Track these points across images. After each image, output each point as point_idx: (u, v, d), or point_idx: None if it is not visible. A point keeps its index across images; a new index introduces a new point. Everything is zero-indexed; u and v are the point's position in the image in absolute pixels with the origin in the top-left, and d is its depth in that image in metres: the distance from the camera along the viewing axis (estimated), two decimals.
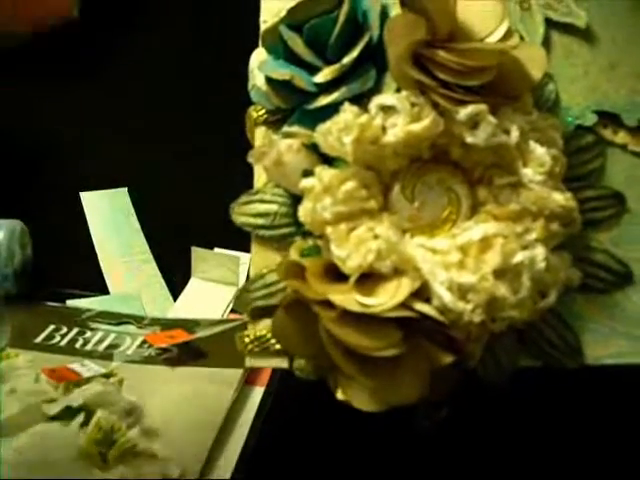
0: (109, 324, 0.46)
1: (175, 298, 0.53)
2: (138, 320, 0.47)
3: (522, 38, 0.35)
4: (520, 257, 0.30)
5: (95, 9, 0.62)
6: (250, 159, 0.32)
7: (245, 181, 0.55)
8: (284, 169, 0.32)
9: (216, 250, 0.54)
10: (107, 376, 0.39)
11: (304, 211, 0.30)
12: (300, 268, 0.30)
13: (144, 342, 0.44)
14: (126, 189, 0.59)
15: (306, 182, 0.31)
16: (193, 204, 0.58)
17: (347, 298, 0.29)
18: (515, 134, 0.31)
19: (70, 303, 0.49)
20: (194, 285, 0.52)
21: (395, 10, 0.33)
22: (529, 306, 0.31)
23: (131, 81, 0.63)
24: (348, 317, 0.29)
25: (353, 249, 0.29)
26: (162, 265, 0.56)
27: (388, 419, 0.33)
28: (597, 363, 0.32)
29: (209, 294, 0.51)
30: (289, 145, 0.32)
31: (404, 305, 0.29)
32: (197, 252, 0.52)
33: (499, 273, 0.30)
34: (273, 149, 0.31)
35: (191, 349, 0.43)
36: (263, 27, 0.37)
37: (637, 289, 0.33)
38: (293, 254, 0.31)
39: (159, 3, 0.64)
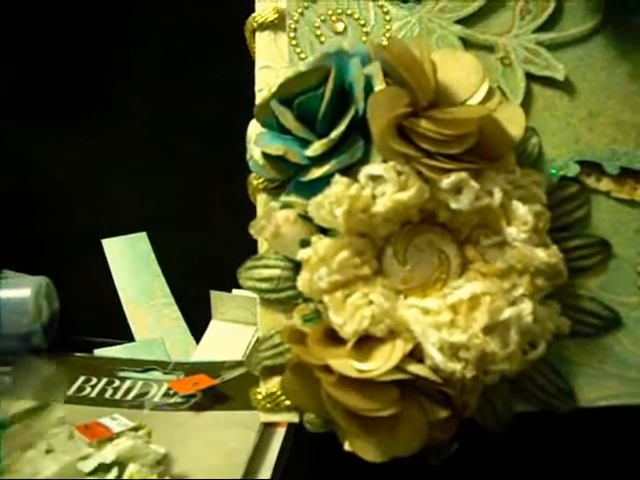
0: (135, 371, 0.49)
1: (197, 339, 0.56)
2: (163, 366, 0.49)
3: (504, 93, 0.36)
4: (507, 314, 0.32)
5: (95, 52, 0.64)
6: (251, 231, 0.34)
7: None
8: (283, 240, 0.34)
9: (234, 292, 0.56)
10: (136, 429, 0.41)
11: (302, 282, 0.32)
12: (301, 334, 0.32)
13: (169, 389, 0.47)
14: (145, 233, 0.62)
15: (303, 253, 0.33)
16: (210, 245, 0.61)
17: (344, 364, 0.31)
18: (498, 196, 0.32)
19: (97, 352, 0.52)
20: (215, 327, 0.55)
21: (379, 80, 0.34)
22: (519, 358, 0.32)
23: (146, 125, 0.65)
24: (347, 381, 0.31)
25: (349, 316, 0.32)
26: (183, 307, 0.59)
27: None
28: (590, 405, 0.34)
29: (230, 335, 0.54)
30: (286, 217, 0.34)
31: (398, 368, 0.31)
32: (216, 295, 0.55)
33: (488, 329, 0.32)
34: (271, 222, 0.34)
35: (215, 393, 0.46)
36: (258, 96, 0.39)
37: (626, 332, 0.35)
38: (295, 319, 0.34)
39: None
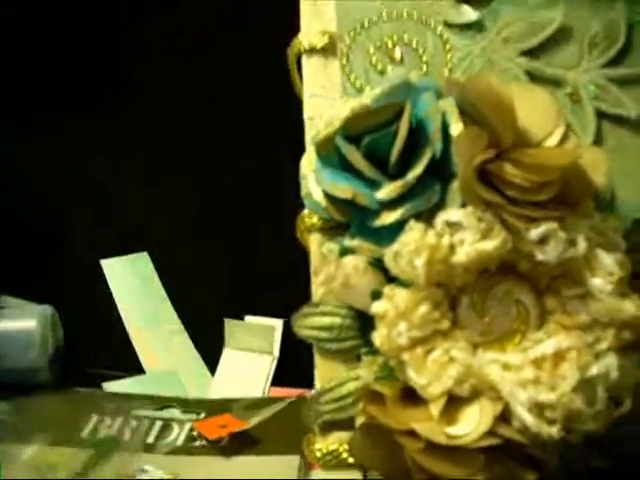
0: (152, 409, 0.46)
1: (208, 367, 0.53)
2: (181, 403, 0.46)
3: (575, 132, 0.35)
4: (595, 370, 0.30)
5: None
6: (318, 280, 0.32)
7: (269, 243, 0.55)
8: (352, 291, 0.31)
9: (247, 318, 0.53)
10: None
11: (380, 338, 0.30)
12: (378, 394, 0.30)
13: (192, 429, 0.44)
14: (146, 253, 0.58)
15: (378, 307, 0.30)
16: (218, 267, 0.57)
17: (432, 429, 0.29)
18: (582, 245, 0.31)
19: (107, 386, 0.49)
20: (229, 356, 0.52)
21: (455, 118, 0.32)
22: (605, 416, 0.31)
23: (147, 142, 0.61)
24: (434, 446, 0.29)
25: (433, 376, 0.29)
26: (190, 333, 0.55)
27: None
28: None
29: (246, 365, 0.51)
30: (355, 266, 0.31)
31: (490, 432, 0.29)
32: (230, 323, 0.52)
33: (574, 387, 0.30)
34: (340, 271, 0.31)
35: (243, 436, 0.43)
36: (309, 125, 0.37)
37: None
38: (366, 376, 0.31)
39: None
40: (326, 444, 0.34)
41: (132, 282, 0.55)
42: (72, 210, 0.59)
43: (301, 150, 0.37)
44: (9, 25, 0.58)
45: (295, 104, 0.37)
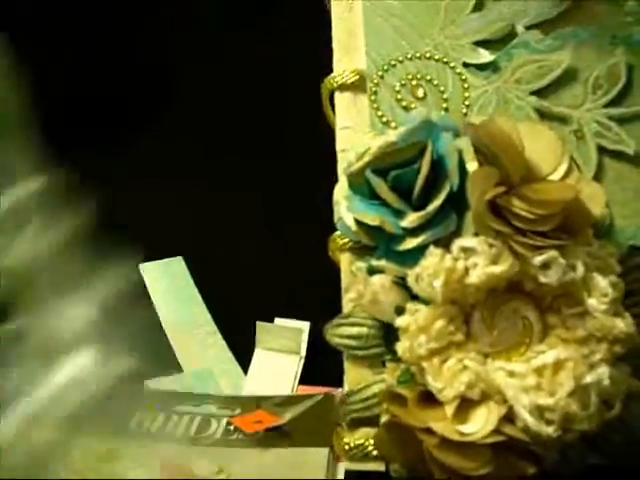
0: (191, 405, 0.50)
1: (239, 365, 0.57)
2: (217, 400, 0.51)
3: (577, 165, 0.39)
4: (589, 379, 0.35)
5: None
6: (349, 297, 0.37)
7: (297, 253, 0.60)
8: (379, 306, 0.36)
9: (277, 321, 0.58)
10: (218, 472, 0.43)
11: (403, 349, 0.35)
12: (400, 396, 0.35)
13: (229, 424, 0.48)
14: (181, 258, 0.63)
15: (402, 321, 0.35)
16: (247, 270, 0.62)
17: (447, 427, 0.33)
18: (580, 270, 0.35)
19: (148, 383, 0.53)
20: (260, 356, 0.57)
21: (470, 156, 0.37)
22: (597, 418, 0.35)
23: (182, 146, 0.65)
24: (448, 442, 0.34)
25: (447, 382, 0.34)
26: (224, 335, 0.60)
27: None
28: None
29: (276, 365, 0.56)
30: (382, 284, 0.36)
31: (496, 430, 0.33)
32: (261, 326, 0.56)
33: (570, 392, 0.35)
34: (368, 288, 0.36)
35: (276, 430, 0.47)
36: (341, 157, 0.41)
37: None
38: (390, 380, 0.36)
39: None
40: (353, 439, 0.38)
41: (168, 286, 0.60)
42: (112, 218, 0.64)
43: (335, 177, 0.41)
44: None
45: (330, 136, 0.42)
